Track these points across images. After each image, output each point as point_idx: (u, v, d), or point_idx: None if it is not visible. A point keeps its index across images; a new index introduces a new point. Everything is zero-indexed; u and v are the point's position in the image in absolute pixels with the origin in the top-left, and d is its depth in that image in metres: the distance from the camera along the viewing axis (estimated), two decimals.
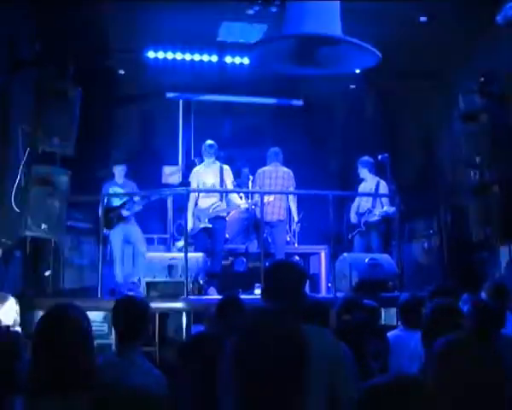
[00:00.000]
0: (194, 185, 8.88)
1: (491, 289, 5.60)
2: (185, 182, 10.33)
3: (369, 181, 9.49)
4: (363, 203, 9.51)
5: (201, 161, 9.11)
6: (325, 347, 2.90)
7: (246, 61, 10.59)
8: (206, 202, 8.75)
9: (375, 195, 9.34)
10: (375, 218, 9.19)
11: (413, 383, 1.57)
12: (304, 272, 3.35)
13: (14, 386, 2.34)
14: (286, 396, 1.84)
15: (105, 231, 8.87)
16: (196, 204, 8.79)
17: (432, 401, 1.55)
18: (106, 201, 8.79)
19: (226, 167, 8.93)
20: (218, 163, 8.92)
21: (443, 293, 4.52)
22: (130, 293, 7.90)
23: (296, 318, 3.03)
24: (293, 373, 1.85)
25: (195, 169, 9.10)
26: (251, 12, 8.81)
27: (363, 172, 9.49)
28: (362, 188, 9.59)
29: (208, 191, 8.78)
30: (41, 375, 2.10)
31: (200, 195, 8.83)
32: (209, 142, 8.90)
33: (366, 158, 9.50)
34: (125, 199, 9.03)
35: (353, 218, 9.54)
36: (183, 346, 4.27)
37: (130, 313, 3.59)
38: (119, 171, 9.31)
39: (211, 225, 8.61)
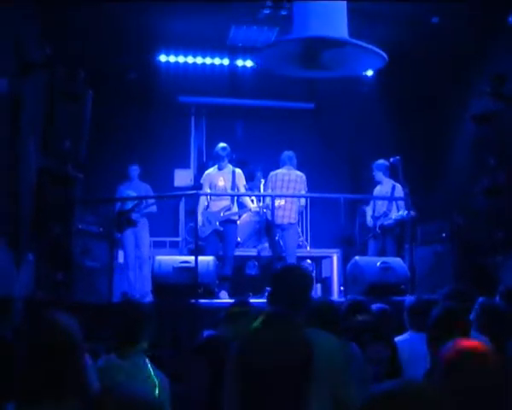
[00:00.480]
0: (206, 188, 8.89)
1: (505, 293, 5.55)
2: (197, 185, 10.35)
3: (384, 184, 9.49)
4: (378, 207, 9.49)
5: (214, 164, 9.09)
6: (328, 350, 2.89)
7: None
8: (217, 205, 8.73)
9: (388, 198, 9.34)
10: (391, 221, 9.17)
11: (418, 390, 1.54)
12: (310, 276, 3.35)
13: (9, 392, 2.32)
14: (289, 399, 1.83)
15: (117, 234, 8.94)
16: (208, 206, 8.78)
17: (437, 408, 1.53)
18: (120, 204, 8.89)
19: (238, 171, 8.92)
20: (230, 166, 8.91)
21: (456, 296, 4.47)
22: (131, 297, 7.93)
23: (301, 321, 3.02)
24: (296, 377, 1.84)
25: (208, 171, 9.10)
26: (261, 15, 8.83)
27: (379, 176, 9.48)
28: (378, 191, 9.58)
29: (219, 195, 8.77)
30: (32, 382, 2.09)
31: (212, 197, 8.82)
32: (222, 144, 8.88)
33: (381, 161, 9.48)
34: (136, 202, 9.06)
35: (370, 221, 9.52)
36: (192, 348, 4.31)
37: (130, 317, 3.66)
38: (132, 171, 9.35)
39: (222, 228, 8.60)
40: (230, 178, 8.79)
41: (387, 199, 9.39)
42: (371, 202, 9.66)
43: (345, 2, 7.24)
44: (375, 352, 3.56)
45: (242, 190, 8.97)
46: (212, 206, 8.75)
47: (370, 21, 9.10)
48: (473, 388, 2.04)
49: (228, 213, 8.70)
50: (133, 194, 9.31)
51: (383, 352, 3.56)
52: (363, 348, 3.65)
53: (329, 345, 2.99)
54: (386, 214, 9.34)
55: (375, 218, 9.45)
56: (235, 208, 8.85)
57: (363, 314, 4.52)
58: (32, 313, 5.16)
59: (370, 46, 7.17)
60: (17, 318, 5.49)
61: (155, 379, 3.43)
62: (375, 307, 5.39)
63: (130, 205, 9.04)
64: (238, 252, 9.63)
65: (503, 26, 7.85)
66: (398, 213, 9.16)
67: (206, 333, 4.87)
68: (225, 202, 8.78)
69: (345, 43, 7.24)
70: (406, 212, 8.83)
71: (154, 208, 9.50)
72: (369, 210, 9.63)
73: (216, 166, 8.94)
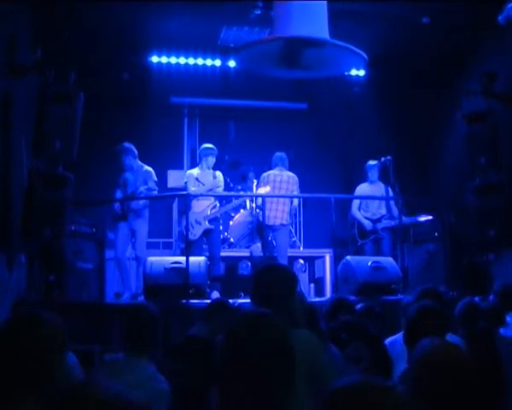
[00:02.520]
0: (190, 187, 8.83)
1: (501, 292, 5.56)
2: None
3: (377, 186, 9.43)
4: (374, 209, 9.40)
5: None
6: (306, 349, 2.90)
7: None
8: (200, 204, 8.74)
9: (378, 198, 9.33)
10: (393, 223, 9.15)
11: (374, 387, 1.55)
12: (294, 275, 3.32)
13: None
14: (271, 398, 1.83)
15: (110, 233, 8.90)
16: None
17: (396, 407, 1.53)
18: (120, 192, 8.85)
19: (218, 173, 8.96)
20: (211, 169, 8.94)
21: (432, 295, 4.44)
22: (140, 300, 7.91)
23: (284, 321, 3.01)
24: (278, 375, 1.84)
25: (190, 172, 9.07)
26: (253, 16, 8.83)
27: (375, 176, 9.43)
28: (367, 191, 9.48)
29: (210, 195, 8.79)
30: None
31: (196, 198, 8.81)
32: (210, 145, 8.92)
33: (376, 162, 9.44)
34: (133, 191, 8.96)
35: (368, 224, 9.33)
36: (171, 347, 4.35)
37: (138, 320, 3.68)
38: (127, 161, 8.98)
39: (213, 226, 8.61)
40: (211, 178, 8.84)
41: (378, 198, 9.36)
42: (359, 203, 9.58)
43: (325, 2, 7.21)
44: (353, 350, 3.54)
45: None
46: (195, 206, 8.73)
47: (361, 22, 9.12)
48: (436, 393, 2.05)
49: (214, 210, 8.74)
50: (131, 177, 9.03)
51: (362, 351, 3.54)
52: (341, 347, 3.63)
53: (303, 339, 2.98)
54: (388, 217, 9.27)
55: (371, 220, 9.38)
56: (218, 206, 8.90)
57: (345, 314, 4.52)
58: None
59: (350, 46, 7.15)
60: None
61: (155, 385, 3.44)
62: (359, 305, 5.39)
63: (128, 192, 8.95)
64: (231, 252, 9.64)
65: (492, 25, 7.86)
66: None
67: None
68: (208, 201, 8.81)
69: (324, 44, 7.22)
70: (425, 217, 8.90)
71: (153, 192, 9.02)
72: (357, 212, 9.52)
73: (199, 166, 8.96)
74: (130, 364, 3.50)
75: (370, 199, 9.44)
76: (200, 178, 8.82)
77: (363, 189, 9.56)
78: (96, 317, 7.09)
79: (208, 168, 8.88)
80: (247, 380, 1.81)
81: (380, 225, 9.29)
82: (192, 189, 8.80)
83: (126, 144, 9.08)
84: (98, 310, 7.32)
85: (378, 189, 9.48)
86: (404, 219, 8.90)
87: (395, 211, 9.27)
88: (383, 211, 9.40)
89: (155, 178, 9.03)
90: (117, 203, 8.78)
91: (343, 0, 8.36)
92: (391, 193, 9.28)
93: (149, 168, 9.06)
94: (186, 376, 3.81)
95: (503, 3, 7.70)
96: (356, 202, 9.60)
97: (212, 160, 8.85)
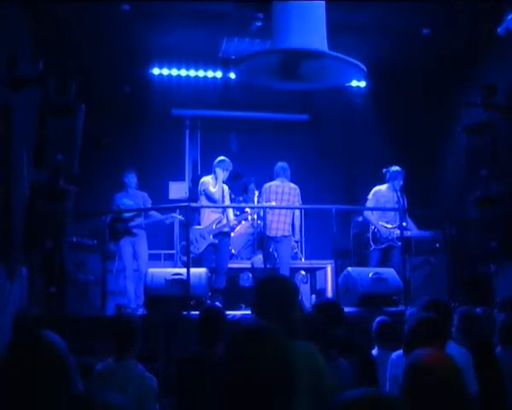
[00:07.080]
0: (206, 196, 8.83)
1: (505, 302, 5.55)
2: (192, 197, 10.37)
3: (393, 194, 9.13)
4: (390, 216, 8.99)
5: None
6: (307, 361, 2.88)
7: None
8: (209, 218, 8.75)
9: (382, 208, 9.21)
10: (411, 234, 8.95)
11: (382, 399, 1.55)
12: (295, 286, 3.29)
13: None
14: None
15: (111, 245, 8.91)
16: (199, 223, 8.83)
17: None
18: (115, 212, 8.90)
19: (226, 187, 8.98)
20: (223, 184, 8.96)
21: (432, 307, 4.43)
22: (124, 311, 7.94)
23: (285, 333, 2.99)
24: (279, 390, 1.83)
25: (206, 180, 9.00)
26: (253, 28, 8.87)
27: (399, 185, 9.09)
28: (388, 199, 9.06)
29: (211, 207, 8.78)
30: None
31: (206, 211, 8.82)
32: (225, 158, 8.96)
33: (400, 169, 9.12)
34: (133, 213, 9.05)
35: (385, 231, 8.92)
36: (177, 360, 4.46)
37: (124, 329, 4.31)
38: (128, 179, 9.26)
39: (217, 241, 8.61)
40: (221, 192, 8.85)
41: (382, 209, 9.16)
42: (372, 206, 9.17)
43: (323, 13, 7.24)
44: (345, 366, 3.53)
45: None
46: (205, 219, 8.76)
47: (362, 34, 9.16)
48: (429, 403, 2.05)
49: (219, 225, 8.72)
50: (129, 202, 9.20)
51: (354, 365, 3.52)
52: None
53: (305, 350, 2.96)
54: (405, 227, 8.90)
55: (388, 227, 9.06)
56: (225, 220, 8.86)
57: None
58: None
59: (349, 58, 7.16)
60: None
61: (144, 378, 4.07)
62: None
63: (127, 214, 9.04)
64: (232, 264, 9.62)
65: (492, 37, 7.89)
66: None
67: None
68: (216, 214, 8.81)
69: (323, 56, 7.23)
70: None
71: (156, 216, 9.34)
72: (372, 217, 9.06)
73: (212, 175, 8.93)
74: (120, 367, 4.09)
75: (376, 210, 9.13)
76: (218, 192, 8.82)
77: (381, 192, 9.12)
78: (98, 329, 7.07)
79: (216, 181, 8.86)
80: (246, 394, 1.80)
81: (396, 234, 8.86)
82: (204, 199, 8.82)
83: (133, 168, 9.43)
84: (99, 322, 7.30)
85: (392, 197, 9.07)
86: (417, 232, 8.82)
87: (409, 222, 9.06)
88: (398, 220, 9.03)
89: (150, 201, 9.43)
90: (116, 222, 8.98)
91: (343, 12, 8.39)
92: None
93: (144, 193, 9.43)
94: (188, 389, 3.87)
95: (502, 15, 7.73)
96: (370, 205, 9.16)
97: (226, 174, 8.90)
